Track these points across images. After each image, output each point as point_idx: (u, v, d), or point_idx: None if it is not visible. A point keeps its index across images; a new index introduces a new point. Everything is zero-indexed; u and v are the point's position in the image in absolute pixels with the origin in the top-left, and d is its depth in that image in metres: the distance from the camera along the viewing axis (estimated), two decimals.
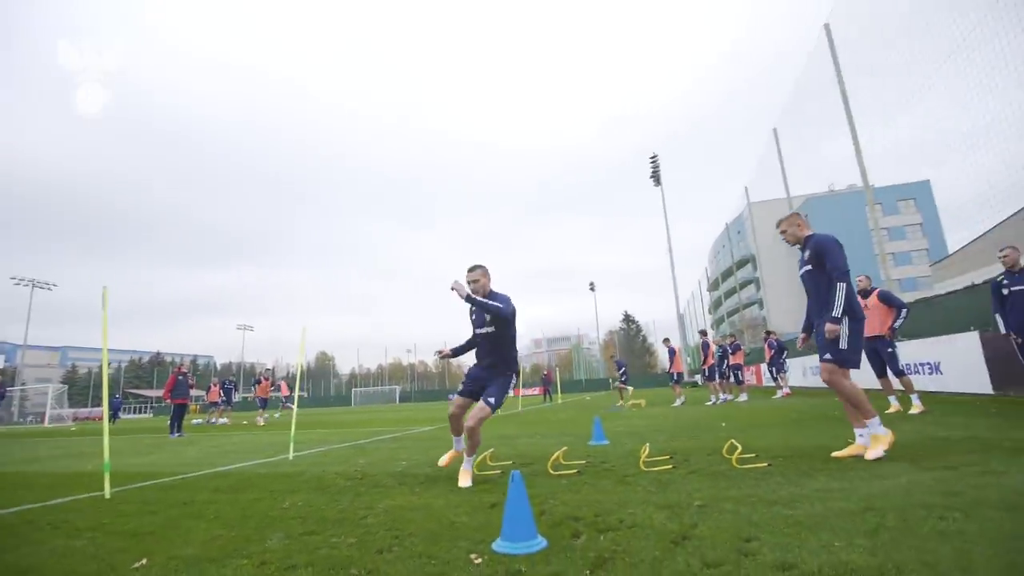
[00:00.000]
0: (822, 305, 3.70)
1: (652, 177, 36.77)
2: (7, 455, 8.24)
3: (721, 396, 11.89)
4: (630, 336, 71.38)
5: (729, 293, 47.22)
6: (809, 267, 3.79)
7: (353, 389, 55.36)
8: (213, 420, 17.10)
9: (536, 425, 8.59)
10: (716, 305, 51.47)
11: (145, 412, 55.26)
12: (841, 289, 3.56)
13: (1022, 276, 5.58)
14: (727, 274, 42.04)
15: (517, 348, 3.95)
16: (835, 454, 3.60)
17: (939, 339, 8.20)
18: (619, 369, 14.92)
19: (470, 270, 3.82)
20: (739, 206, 25.65)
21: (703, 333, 13.96)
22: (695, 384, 27.90)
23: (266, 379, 16.51)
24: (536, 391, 37.29)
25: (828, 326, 3.59)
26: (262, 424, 14.00)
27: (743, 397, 12.12)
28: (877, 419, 3.51)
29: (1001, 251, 5.77)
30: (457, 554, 2.02)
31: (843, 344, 3.58)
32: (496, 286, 3.85)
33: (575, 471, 3.72)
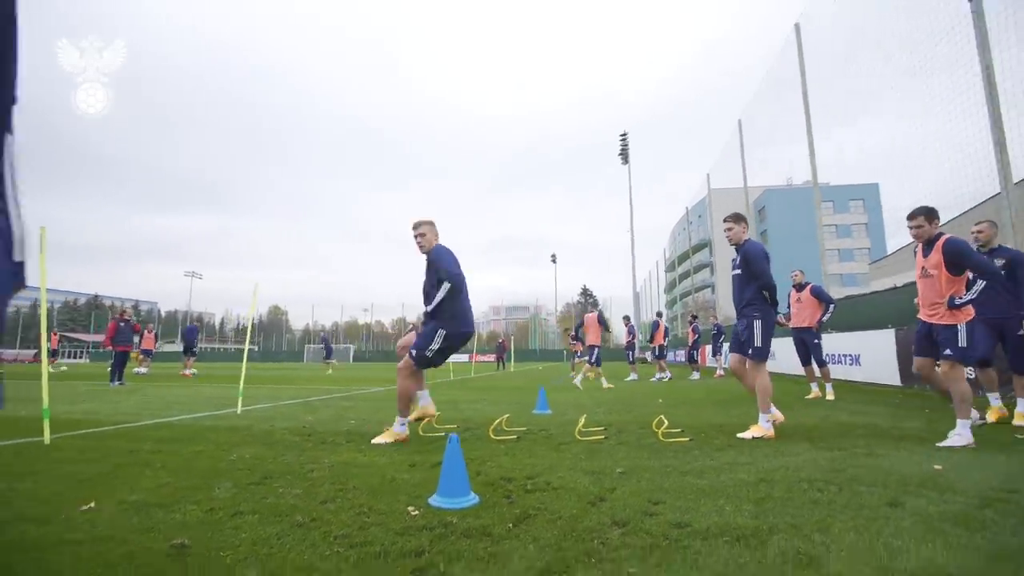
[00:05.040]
0: None
1: (620, 155, 36.98)
2: None
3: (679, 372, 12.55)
4: (586, 310, 73.12)
5: (684, 276, 48.82)
6: None
7: (306, 345, 54.43)
8: (186, 372, 16.28)
9: (485, 391, 8.89)
10: (672, 286, 53.14)
11: (81, 357, 52.57)
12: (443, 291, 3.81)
13: (991, 256, 4.44)
14: (684, 257, 43.37)
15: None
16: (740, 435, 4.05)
17: (860, 334, 8.94)
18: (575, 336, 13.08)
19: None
20: (701, 192, 26.27)
21: (659, 315, 14.55)
22: (644, 361, 29.05)
23: (150, 331, 16.47)
24: (491, 358, 37.87)
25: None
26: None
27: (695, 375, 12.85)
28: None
29: (976, 225, 4.65)
30: (396, 507, 2.21)
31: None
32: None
33: (515, 437, 3.98)
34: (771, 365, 15.29)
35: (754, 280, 4.06)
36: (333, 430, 4.36)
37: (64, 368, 22.77)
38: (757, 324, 4.00)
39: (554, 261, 56.42)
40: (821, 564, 1.58)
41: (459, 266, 3.89)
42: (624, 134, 36.89)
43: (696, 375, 12.96)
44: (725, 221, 4.27)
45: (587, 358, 11.08)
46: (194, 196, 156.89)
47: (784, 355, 12.97)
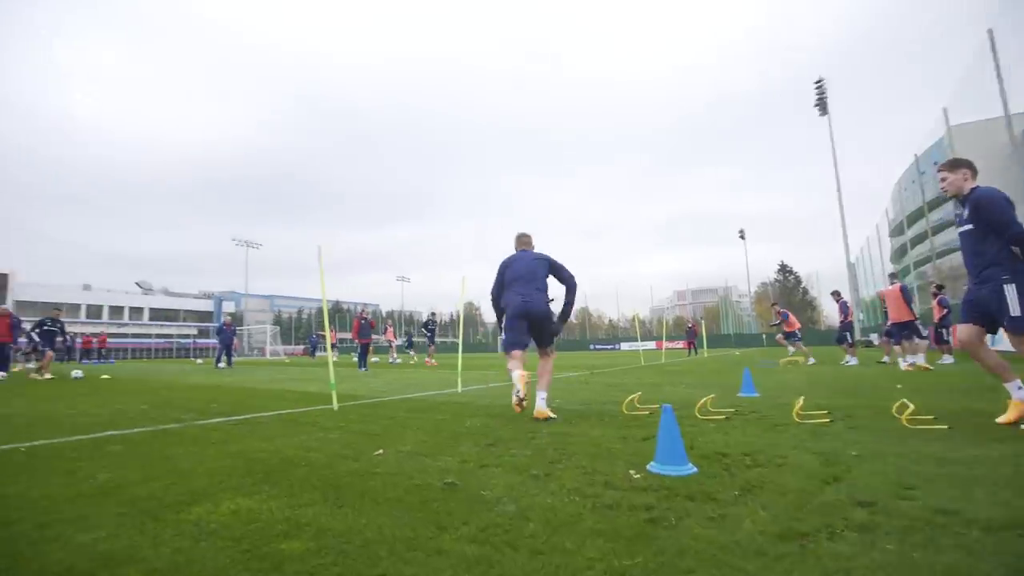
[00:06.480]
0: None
1: (817, 106, 32.03)
2: (260, 377, 10.79)
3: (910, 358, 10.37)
4: (787, 289, 64.55)
5: (919, 239, 39.72)
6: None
7: (499, 337, 59.24)
8: (391, 360, 19.68)
9: (681, 375, 8.62)
10: (900, 254, 43.71)
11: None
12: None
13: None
14: (916, 216, 35.10)
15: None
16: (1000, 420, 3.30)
17: None
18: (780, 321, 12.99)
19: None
20: (935, 132, 21.12)
21: (894, 276, 12.11)
22: (869, 343, 24.66)
23: (389, 326, 19.24)
24: (680, 344, 36.25)
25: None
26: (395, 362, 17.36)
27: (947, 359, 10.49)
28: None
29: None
30: (616, 470, 2.39)
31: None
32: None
33: (723, 416, 3.86)
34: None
35: (994, 233, 3.27)
36: None
37: (333, 358, 28.77)
38: (1010, 289, 3.18)
39: (743, 237, 51.21)
40: None
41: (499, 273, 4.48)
42: (819, 81, 31.98)
43: (949, 359, 10.55)
44: (939, 171, 3.55)
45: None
46: (397, 211, 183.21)
47: None
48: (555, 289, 4.45)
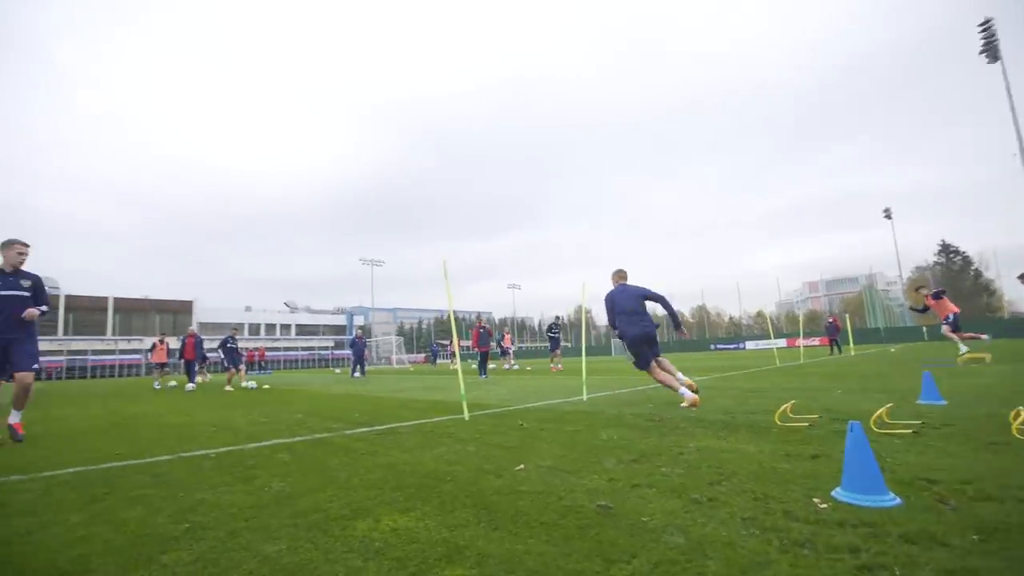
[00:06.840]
0: None
1: (984, 52, 27.00)
2: (390, 386, 11.59)
3: None
4: (952, 272, 54.74)
5: None
6: None
7: (612, 340, 57.87)
8: (507, 366, 20.14)
9: (831, 378, 7.60)
10: None
11: (445, 359, 69.06)
12: None
13: None
14: None
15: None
16: None
17: None
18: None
19: None
20: None
21: None
22: None
23: (507, 333, 19.32)
24: (817, 341, 32.51)
25: None
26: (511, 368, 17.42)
27: None
28: None
29: None
30: (794, 497, 2.06)
31: None
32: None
33: (910, 431, 3.24)
34: None
35: None
36: (678, 415, 4.44)
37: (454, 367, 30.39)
38: None
39: (888, 216, 44.63)
40: None
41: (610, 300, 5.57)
42: (987, 22, 27.01)
43: None
44: None
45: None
46: (506, 220, 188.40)
47: None
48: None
